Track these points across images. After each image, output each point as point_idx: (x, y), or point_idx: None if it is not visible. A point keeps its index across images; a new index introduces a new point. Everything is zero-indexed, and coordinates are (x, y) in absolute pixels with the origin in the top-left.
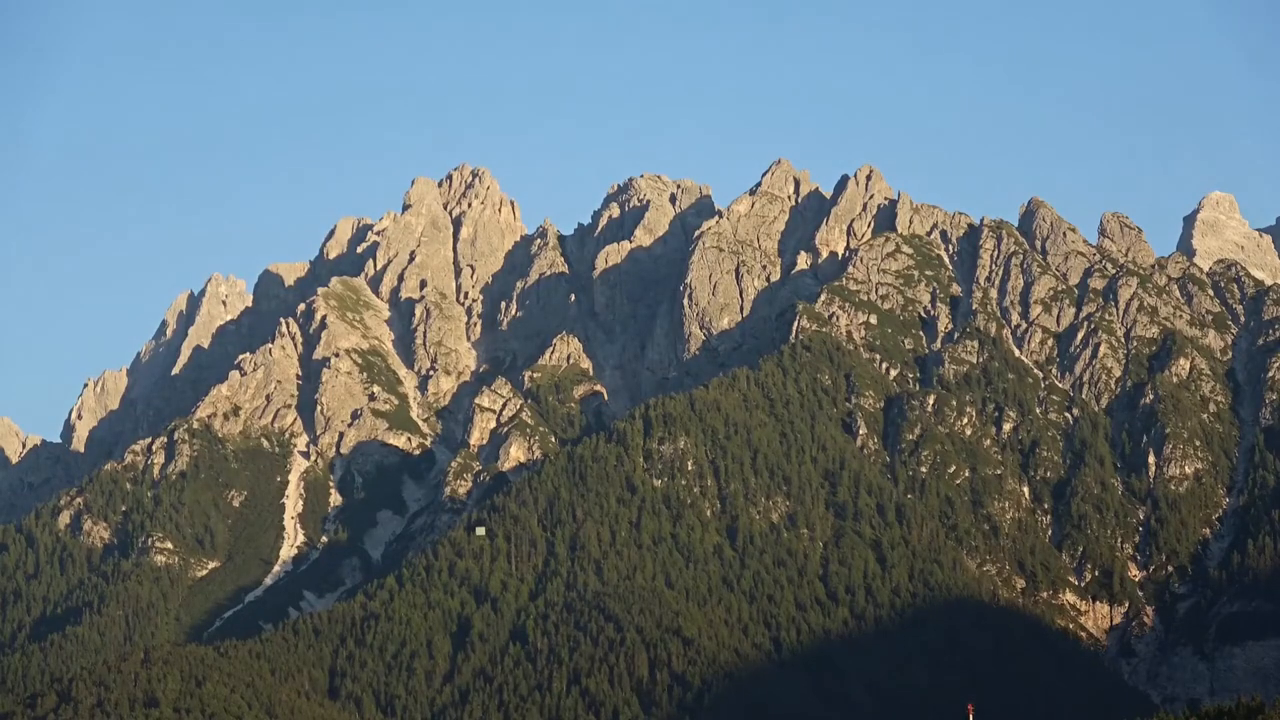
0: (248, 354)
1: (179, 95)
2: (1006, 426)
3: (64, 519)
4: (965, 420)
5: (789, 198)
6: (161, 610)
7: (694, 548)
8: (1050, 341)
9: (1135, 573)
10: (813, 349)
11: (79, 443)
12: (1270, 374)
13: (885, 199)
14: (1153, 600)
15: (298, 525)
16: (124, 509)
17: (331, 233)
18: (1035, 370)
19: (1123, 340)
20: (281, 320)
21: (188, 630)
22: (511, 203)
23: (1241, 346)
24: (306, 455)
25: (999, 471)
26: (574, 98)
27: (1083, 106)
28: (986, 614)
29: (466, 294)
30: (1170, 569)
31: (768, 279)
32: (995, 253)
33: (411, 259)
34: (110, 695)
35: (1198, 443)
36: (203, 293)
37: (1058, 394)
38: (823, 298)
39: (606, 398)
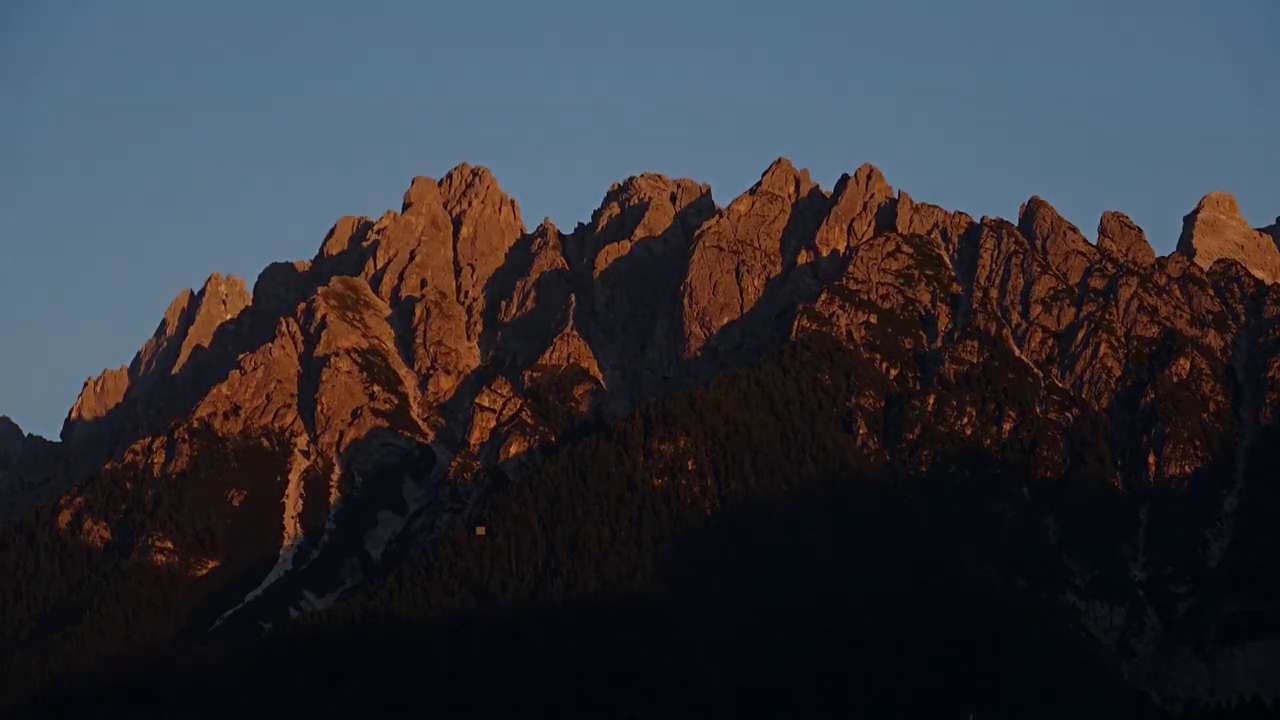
0: (248, 353)
1: (178, 94)
2: (1006, 426)
3: (64, 518)
4: (965, 420)
5: (789, 197)
6: (161, 610)
7: (694, 548)
8: (1050, 341)
9: (1135, 573)
10: (813, 349)
11: (79, 442)
12: (1270, 374)
13: (885, 198)
14: (1153, 600)
15: (298, 525)
16: (124, 508)
17: (332, 232)
18: (1035, 370)
19: (1123, 340)
20: (281, 319)
21: (187, 630)
22: (512, 202)
23: (1241, 346)
24: (306, 454)
25: (999, 471)
26: (574, 97)
27: (1083, 106)
28: (986, 614)
29: (467, 293)
30: (1170, 569)
31: (768, 278)
32: (995, 252)
33: (412, 258)
34: (110, 695)
35: (1198, 442)
36: (203, 292)
37: (1058, 394)
38: (823, 297)
39: (607, 397)
